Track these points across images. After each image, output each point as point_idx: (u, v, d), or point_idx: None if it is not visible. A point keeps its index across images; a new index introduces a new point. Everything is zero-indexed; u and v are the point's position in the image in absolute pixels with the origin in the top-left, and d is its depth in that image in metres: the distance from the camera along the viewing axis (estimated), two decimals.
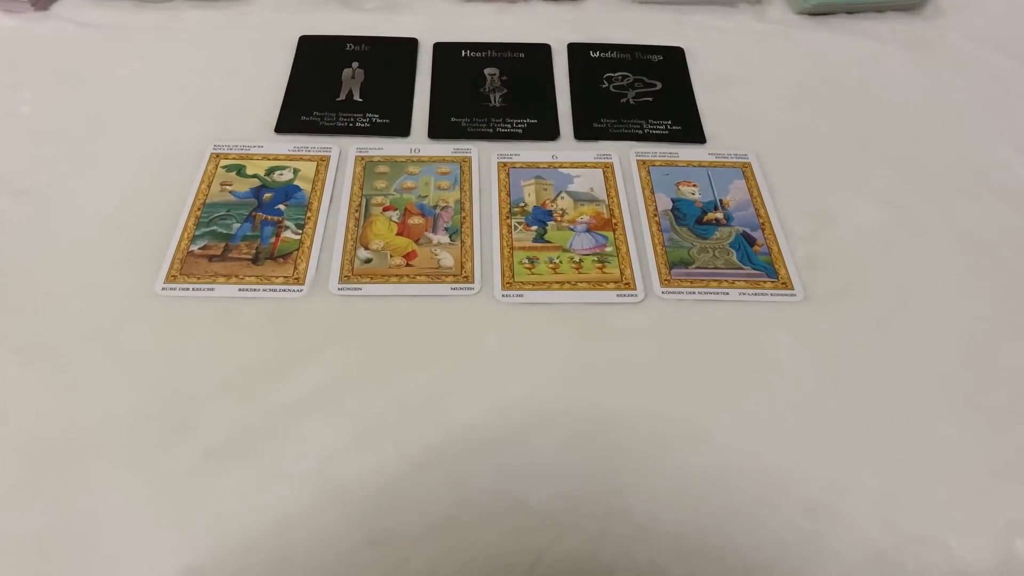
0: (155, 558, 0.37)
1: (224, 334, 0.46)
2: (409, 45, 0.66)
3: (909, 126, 0.61)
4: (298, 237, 0.51)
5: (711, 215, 0.54)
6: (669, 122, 0.61)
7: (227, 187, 0.54)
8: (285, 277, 0.49)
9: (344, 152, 0.57)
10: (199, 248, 0.50)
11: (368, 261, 0.50)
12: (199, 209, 0.52)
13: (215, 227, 0.51)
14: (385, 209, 0.53)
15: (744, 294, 0.49)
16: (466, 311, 0.48)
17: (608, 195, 0.55)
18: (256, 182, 0.54)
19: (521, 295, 0.49)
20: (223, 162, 0.55)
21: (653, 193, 0.55)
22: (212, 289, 0.48)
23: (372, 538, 0.38)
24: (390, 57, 0.65)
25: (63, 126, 0.57)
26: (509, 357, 0.46)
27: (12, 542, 0.38)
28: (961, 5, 0.72)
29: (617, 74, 0.64)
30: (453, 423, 0.42)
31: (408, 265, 0.50)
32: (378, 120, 0.59)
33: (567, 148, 0.59)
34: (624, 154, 0.58)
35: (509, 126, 0.60)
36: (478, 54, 0.66)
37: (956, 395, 0.45)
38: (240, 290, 0.48)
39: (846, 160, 0.58)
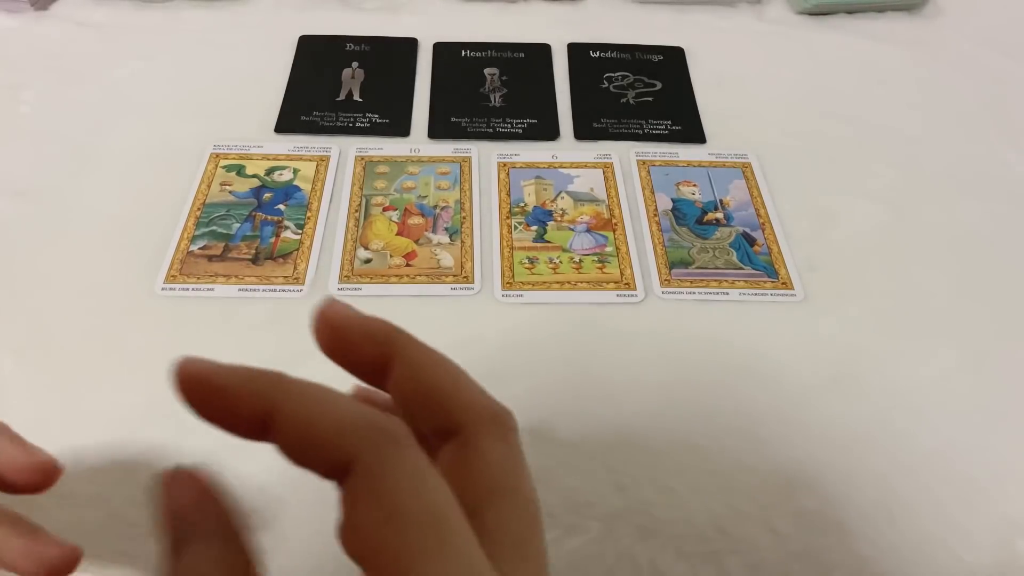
0: (155, 558, 0.37)
1: (224, 334, 0.46)
2: (409, 45, 0.66)
3: (909, 126, 0.61)
4: (298, 237, 0.51)
5: (711, 215, 0.54)
6: (669, 122, 0.61)
7: (227, 187, 0.54)
8: (285, 277, 0.49)
9: (344, 152, 0.57)
10: (199, 248, 0.50)
11: (368, 261, 0.50)
12: (199, 209, 0.52)
13: (215, 227, 0.51)
14: (385, 209, 0.53)
15: (744, 294, 0.49)
16: (466, 311, 0.48)
17: (608, 195, 0.55)
18: (256, 182, 0.54)
19: (521, 295, 0.49)
20: (223, 162, 0.55)
21: (653, 193, 0.55)
22: (212, 289, 0.48)
23: None
24: (390, 57, 0.65)
25: (63, 126, 0.57)
26: (509, 357, 0.45)
27: None
28: (961, 5, 0.72)
29: (617, 74, 0.64)
30: None
31: (408, 265, 0.50)
32: (378, 120, 0.59)
33: (567, 148, 0.59)
34: (624, 154, 0.58)
35: (509, 126, 0.60)
36: (478, 54, 0.66)
37: (956, 395, 0.45)
38: (240, 290, 0.48)
39: (846, 160, 0.58)
